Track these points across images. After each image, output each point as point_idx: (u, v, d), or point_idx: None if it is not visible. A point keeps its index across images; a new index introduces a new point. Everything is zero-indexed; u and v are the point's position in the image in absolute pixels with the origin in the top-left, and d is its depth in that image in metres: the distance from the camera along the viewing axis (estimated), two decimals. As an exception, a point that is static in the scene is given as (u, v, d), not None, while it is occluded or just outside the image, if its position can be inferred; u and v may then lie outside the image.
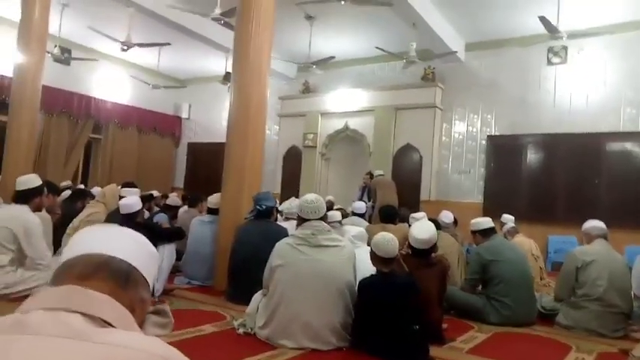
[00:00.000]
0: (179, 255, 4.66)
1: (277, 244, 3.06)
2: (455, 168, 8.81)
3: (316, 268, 2.86)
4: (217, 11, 6.16)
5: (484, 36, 8.34)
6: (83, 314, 0.73)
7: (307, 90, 10.31)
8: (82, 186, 8.55)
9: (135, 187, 5.75)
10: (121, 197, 4.42)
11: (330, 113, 9.76)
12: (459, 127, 8.83)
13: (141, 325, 0.88)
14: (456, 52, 8.08)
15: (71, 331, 0.69)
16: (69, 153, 9.94)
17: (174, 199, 6.34)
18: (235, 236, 4.02)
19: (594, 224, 3.90)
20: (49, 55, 7.67)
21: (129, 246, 0.89)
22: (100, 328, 0.73)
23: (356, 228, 4.33)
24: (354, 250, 3.14)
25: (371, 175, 8.15)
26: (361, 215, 5.98)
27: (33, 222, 3.50)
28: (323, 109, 9.83)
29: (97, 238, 0.89)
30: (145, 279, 0.89)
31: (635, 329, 3.52)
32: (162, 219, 5.43)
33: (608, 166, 7.38)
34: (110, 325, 0.75)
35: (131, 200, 3.99)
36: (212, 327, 3.14)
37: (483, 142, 8.57)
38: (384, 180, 7.95)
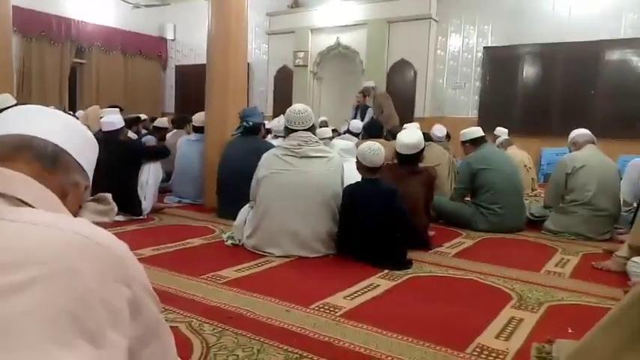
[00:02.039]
0: (168, 175, 4.63)
1: (264, 156, 3.01)
2: (450, 83, 8.57)
3: (302, 178, 2.82)
4: None
5: (483, -62, 7.78)
6: None
7: (296, 4, 9.78)
8: (70, 113, 8.40)
9: (121, 109, 5.62)
10: (102, 117, 4.31)
11: (320, 29, 9.34)
12: (455, 40, 8.49)
13: (76, 212, 0.81)
14: (453, -44, 7.57)
15: None
16: (54, 79, 9.63)
17: (162, 120, 6.23)
18: (222, 153, 3.96)
19: (580, 131, 3.87)
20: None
21: (57, 127, 0.80)
22: (15, 207, 0.66)
23: (345, 142, 4.27)
24: (342, 163, 3.09)
25: (364, 94, 7.85)
26: (356, 135, 5.87)
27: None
28: (313, 24, 9.39)
29: (18, 117, 0.80)
30: (79, 164, 0.81)
31: (621, 232, 3.56)
32: (150, 141, 5.37)
33: (606, 75, 7.17)
34: (29, 205, 0.68)
35: (112, 118, 3.89)
36: (201, 240, 3.16)
37: (479, 54, 8.27)
38: (386, 93, 7.71)
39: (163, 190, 4.49)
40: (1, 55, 5.71)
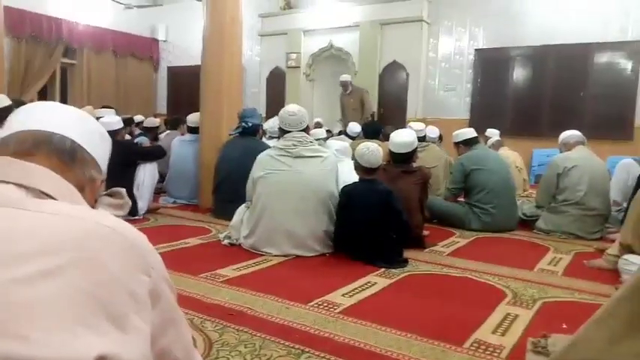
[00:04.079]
0: (163, 176, 4.63)
1: (259, 156, 3.03)
2: (442, 85, 8.64)
3: (297, 178, 2.85)
4: None
5: (474, -58, 7.86)
6: (19, 185, 0.68)
7: (288, 6, 9.80)
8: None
9: (111, 109, 5.60)
10: (98, 118, 4.29)
11: (313, 31, 9.36)
12: (447, 42, 8.56)
13: (92, 205, 0.83)
14: (444, -41, 7.65)
15: (4, 200, 0.64)
16: (37, 76, 9.55)
17: (151, 120, 6.21)
18: (220, 153, 3.97)
19: (571, 133, 3.94)
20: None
21: (74, 123, 0.82)
22: (39, 199, 0.68)
23: (340, 142, 4.30)
24: (336, 161, 3.12)
25: (343, 87, 7.88)
26: (353, 137, 5.89)
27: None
28: (305, 26, 9.42)
29: (37, 114, 0.82)
30: (94, 159, 0.83)
31: (611, 231, 3.62)
32: (143, 141, 5.36)
33: (595, 77, 7.27)
34: (51, 198, 0.70)
35: (111, 119, 3.89)
36: (197, 240, 3.18)
37: (471, 56, 8.34)
38: (365, 88, 7.91)
39: (158, 191, 4.49)
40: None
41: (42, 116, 0.81)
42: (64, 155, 0.77)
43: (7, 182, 0.68)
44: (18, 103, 4.32)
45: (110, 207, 0.88)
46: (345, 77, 7.90)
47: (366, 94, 7.79)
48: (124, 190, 0.92)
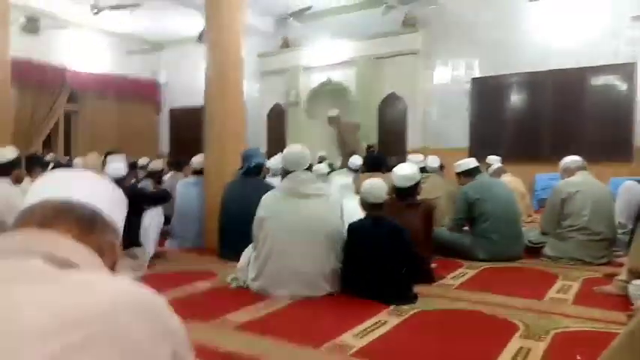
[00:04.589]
0: (167, 219, 4.65)
1: (264, 197, 3.05)
2: (440, 114, 8.76)
3: (303, 217, 2.87)
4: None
5: (463, -24, 8.12)
6: (45, 257, 0.71)
7: (286, 45, 10.05)
8: (67, 158, 8.46)
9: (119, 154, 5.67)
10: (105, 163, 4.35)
11: (311, 68, 9.58)
12: (443, 72, 8.72)
13: (112, 269, 0.86)
14: (435, -6, 7.88)
15: (34, 274, 0.67)
16: (42, 124, 9.72)
17: (155, 163, 6.27)
18: (224, 194, 4.01)
19: (571, 158, 3.98)
20: (16, 25, 7.34)
21: (92, 189, 0.86)
22: (65, 270, 0.71)
23: (343, 178, 4.35)
24: (340, 199, 3.15)
25: (329, 122, 8.00)
26: (355, 171, 5.92)
27: (14, 194, 3.44)
28: (304, 63, 9.64)
29: (58, 182, 0.86)
30: (113, 224, 0.87)
31: (619, 254, 3.61)
32: (147, 185, 5.41)
33: (591, 100, 7.38)
34: (75, 267, 0.73)
35: (117, 165, 3.94)
36: (205, 284, 3.17)
37: (467, 85, 8.49)
38: (344, 120, 7.95)
39: (163, 234, 4.50)
40: (1, 105, 5.81)
41: (63, 184, 0.85)
42: (85, 222, 0.81)
43: (34, 254, 0.71)
44: (37, 158, 4.42)
45: (129, 269, 0.91)
46: (331, 113, 7.97)
47: (346, 128, 7.76)
48: (140, 251, 0.95)
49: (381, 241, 2.71)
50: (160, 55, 11.52)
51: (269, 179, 4.50)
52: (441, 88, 8.74)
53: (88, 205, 0.83)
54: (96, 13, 7.50)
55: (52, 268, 0.70)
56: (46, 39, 9.34)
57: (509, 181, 5.46)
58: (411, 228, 2.99)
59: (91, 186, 0.87)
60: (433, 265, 3.32)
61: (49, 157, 7.40)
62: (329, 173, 5.60)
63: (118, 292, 0.67)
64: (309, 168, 3.11)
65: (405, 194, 3.23)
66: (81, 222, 0.80)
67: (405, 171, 3.25)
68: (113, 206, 0.89)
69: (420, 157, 5.16)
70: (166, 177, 6.02)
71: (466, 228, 4.01)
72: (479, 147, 7.97)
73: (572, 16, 7.58)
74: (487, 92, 8.26)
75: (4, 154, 3.60)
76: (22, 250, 0.71)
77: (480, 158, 5.13)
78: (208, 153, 4.37)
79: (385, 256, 2.69)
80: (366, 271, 2.72)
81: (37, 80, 9.48)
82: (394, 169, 3.36)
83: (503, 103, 8.09)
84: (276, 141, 9.91)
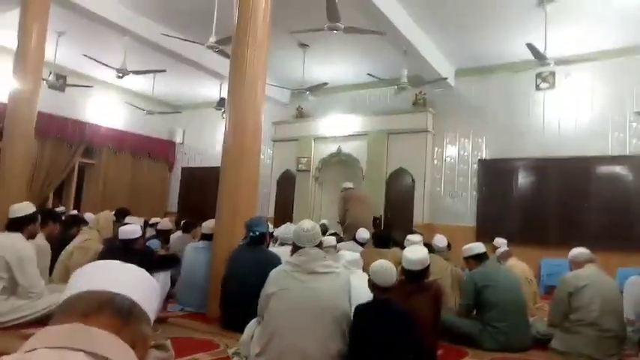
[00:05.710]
0: (173, 282, 4.63)
1: (272, 272, 3.06)
2: (447, 191, 8.88)
3: (311, 295, 2.86)
4: (212, 39, 6.25)
5: (473, 62, 8.53)
6: (87, 353, 0.75)
7: (300, 115, 10.42)
8: (75, 212, 8.55)
9: (129, 213, 5.76)
10: (117, 223, 4.43)
11: (323, 138, 9.86)
12: (451, 151, 8.94)
13: None
14: (446, 78, 8.23)
15: None
16: (56, 175, 9.92)
17: (165, 223, 6.33)
18: (227, 263, 4.01)
19: (580, 251, 3.95)
20: (44, 81, 7.70)
21: (131, 282, 0.92)
22: None
23: (351, 254, 4.34)
24: (349, 277, 3.15)
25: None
26: (362, 244, 5.91)
27: (26, 250, 3.48)
28: (316, 133, 9.93)
29: (100, 274, 0.92)
30: (147, 314, 0.91)
31: (629, 354, 3.53)
32: (155, 245, 5.44)
33: (598, 189, 7.48)
34: None
35: (132, 227, 4.01)
36: (206, 355, 3.12)
37: (475, 165, 8.67)
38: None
39: (167, 297, 4.47)
40: (20, 158, 5.96)
41: (103, 275, 0.91)
42: (123, 316, 0.85)
43: (78, 350, 0.75)
44: (50, 212, 4.50)
45: (156, 360, 0.94)
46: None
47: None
48: (168, 343, 0.99)
49: (388, 329, 2.69)
50: (178, 116, 11.91)
51: (275, 248, 4.52)
52: (448, 166, 8.92)
53: (127, 296, 0.88)
54: (120, 77, 7.85)
55: None
56: (70, 95, 9.75)
57: (516, 266, 5.43)
58: (420, 312, 2.96)
59: (131, 277, 0.93)
60: (439, 352, 3.25)
61: (58, 209, 7.51)
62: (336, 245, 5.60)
63: None
64: (320, 245, 3.14)
65: (415, 277, 3.23)
66: (120, 314, 0.85)
67: (417, 255, 3.26)
68: (149, 297, 0.94)
69: (419, 237, 5.18)
70: (174, 236, 6.06)
71: (474, 313, 3.96)
72: (486, 226, 8.01)
73: (579, 106, 7.86)
74: (494, 173, 8.41)
75: (21, 209, 3.69)
76: (69, 343, 0.76)
77: (487, 238, 5.14)
78: (219, 220, 4.42)
79: (391, 342, 2.66)
80: (372, 355, 2.67)
81: (57, 133, 9.80)
82: (405, 252, 3.37)
83: (510, 185, 8.21)
84: (284, 205, 10.02)
